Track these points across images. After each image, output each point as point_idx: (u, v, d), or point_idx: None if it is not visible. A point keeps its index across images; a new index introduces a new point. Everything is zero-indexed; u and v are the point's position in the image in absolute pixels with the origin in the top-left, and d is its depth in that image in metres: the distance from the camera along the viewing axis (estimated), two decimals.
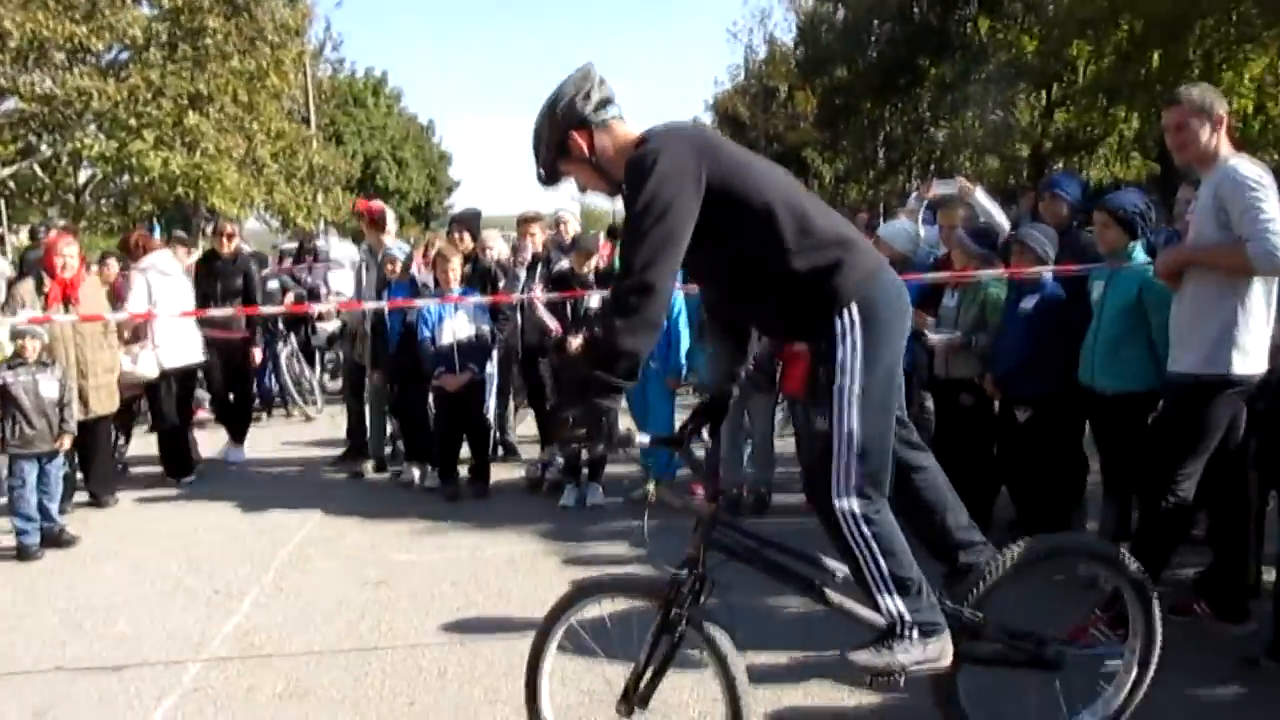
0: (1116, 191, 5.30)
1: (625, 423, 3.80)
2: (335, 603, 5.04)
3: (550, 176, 2.98)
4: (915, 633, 2.80)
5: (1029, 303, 5.22)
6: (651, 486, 6.60)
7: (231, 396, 8.41)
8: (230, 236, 8.41)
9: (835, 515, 2.77)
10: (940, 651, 2.84)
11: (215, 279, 8.13)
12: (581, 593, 3.17)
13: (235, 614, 4.93)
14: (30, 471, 5.93)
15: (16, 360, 6.02)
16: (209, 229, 27.92)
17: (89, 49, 18.49)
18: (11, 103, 18.78)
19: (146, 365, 7.42)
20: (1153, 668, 3.27)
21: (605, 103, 2.87)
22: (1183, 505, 4.06)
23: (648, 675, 2.97)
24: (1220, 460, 4.00)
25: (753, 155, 2.92)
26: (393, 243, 7.78)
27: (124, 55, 20.45)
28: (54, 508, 6.11)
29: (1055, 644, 3.11)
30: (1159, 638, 3.25)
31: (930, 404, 6.15)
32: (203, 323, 7.90)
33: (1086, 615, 4.14)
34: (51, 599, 5.20)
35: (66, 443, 6.15)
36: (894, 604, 2.81)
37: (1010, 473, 5.61)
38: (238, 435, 8.45)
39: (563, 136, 2.86)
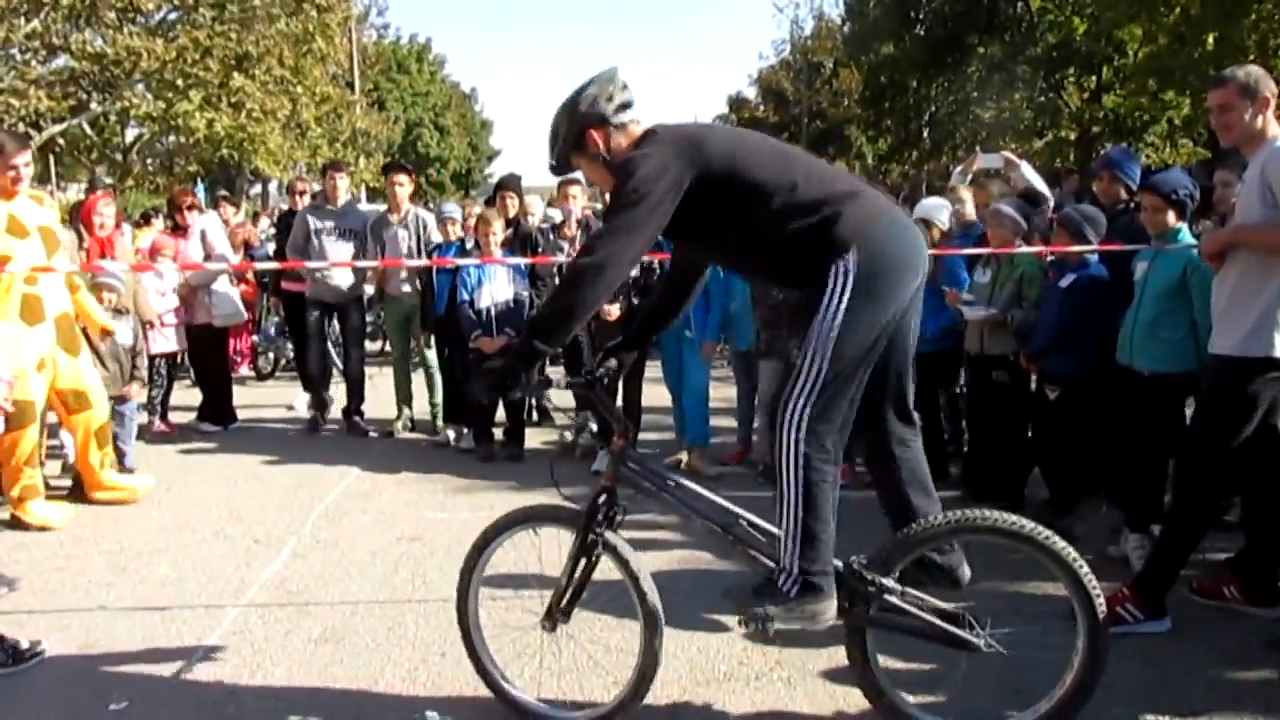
0: (1162, 173, 5.23)
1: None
2: (370, 555, 5.15)
3: (561, 167, 3.19)
4: (795, 589, 2.90)
5: (1065, 280, 5.20)
6: (685, 455, 6.68)
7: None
8: (304, 193, 8.87)
9: (782, 442, 2.87)
10: (815, 614, 2.92)
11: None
12: (509, 522, 3.43)
13: (274, 562, 5.06)
14: None
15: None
16: (252, 190, 28.16)
17: (139, 8, 18.71)
18: (62, 60, 19.04)
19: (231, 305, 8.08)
20: (1101, 670, 3.00)
21: (624, 106, 3.05)
22: (1217, 488, 4.06)
23: (569, 593, 3.30)
24: (1258, 443, 3.97)
25: (742, 140, 3.02)
26: (447, 205, 7.91)
27: (173, 15, 20.66)
28: (128, 450, 6.37)
29: (980, 627, 3.02)
30: (1106, 635, 2.99)
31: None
32: (283, 275, 8.46)
33: (1116, 591, 4.18)
34: (97, 542, 5.36)
35: (135, 389, 6.39)
36: (790, 552, 2.90)
37: (1042, 452, 5.60)
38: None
39: (580, 132, 3.03)
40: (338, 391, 8.33)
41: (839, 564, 3.02)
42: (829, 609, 2.94)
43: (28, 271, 5.28)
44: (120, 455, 6.29)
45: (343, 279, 7.78)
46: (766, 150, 2.98)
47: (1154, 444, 4.64)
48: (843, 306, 2.79)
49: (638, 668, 3.24)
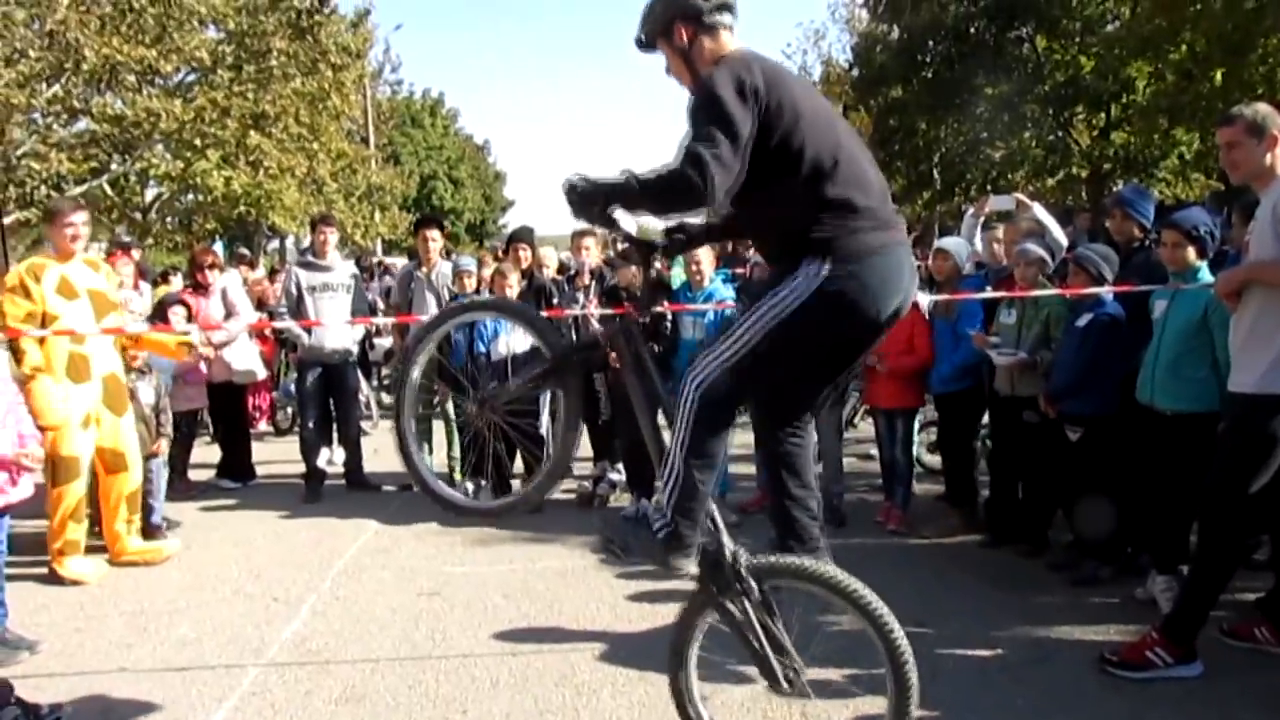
0: (1182, 210, 5.22)
1: None
2: (390, 612, 5.12)
3: (646, 46, 3.11)
4: (664, 533, 2.93)
5: (1082, 320, 5.18)
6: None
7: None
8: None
9: (686, 392, 2.88)
10: (672, 564, 2.96)
11: None
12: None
13: (293, 621, 5.03)
14: None
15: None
16: (270, 245, 28.32)
17: (158, 71, 18.98)
18: (83, 123, 19.34)
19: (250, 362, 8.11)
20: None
21: (723, 8, 2.98)
22: (1242, 527, 4.01)
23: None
24: None
25: (813, 103, 2.90)
26: (463, 258, 7.94)
27: (191, 77, 21.00)
28: (157, 505, 6.44)
29: (798, 673, 3.07)
30: (914, 685, 2.90)
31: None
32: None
33: (1145, 636, 4.12)
34: (117, 602, 5.35)
35: (163, 446, 6.50)
36: (667, 495, 2.92)
37: (1066, 494, 5.55)
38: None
39: (670, 21, 2.99)
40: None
41: (731, 548, 3.03)
42: (686, 565, 2.98)
43: (44, 330, 5.37)
44: (148, 511, 6.36)
45: (334, 339, 7.60)
46: (825, 126, 2.87)
47: (1179, 484, 4.58)
48: (798, 302, 2.78)
49: None
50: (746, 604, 3.04)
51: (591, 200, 2.84)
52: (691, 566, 2.98)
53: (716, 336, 2.97)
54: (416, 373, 3.49)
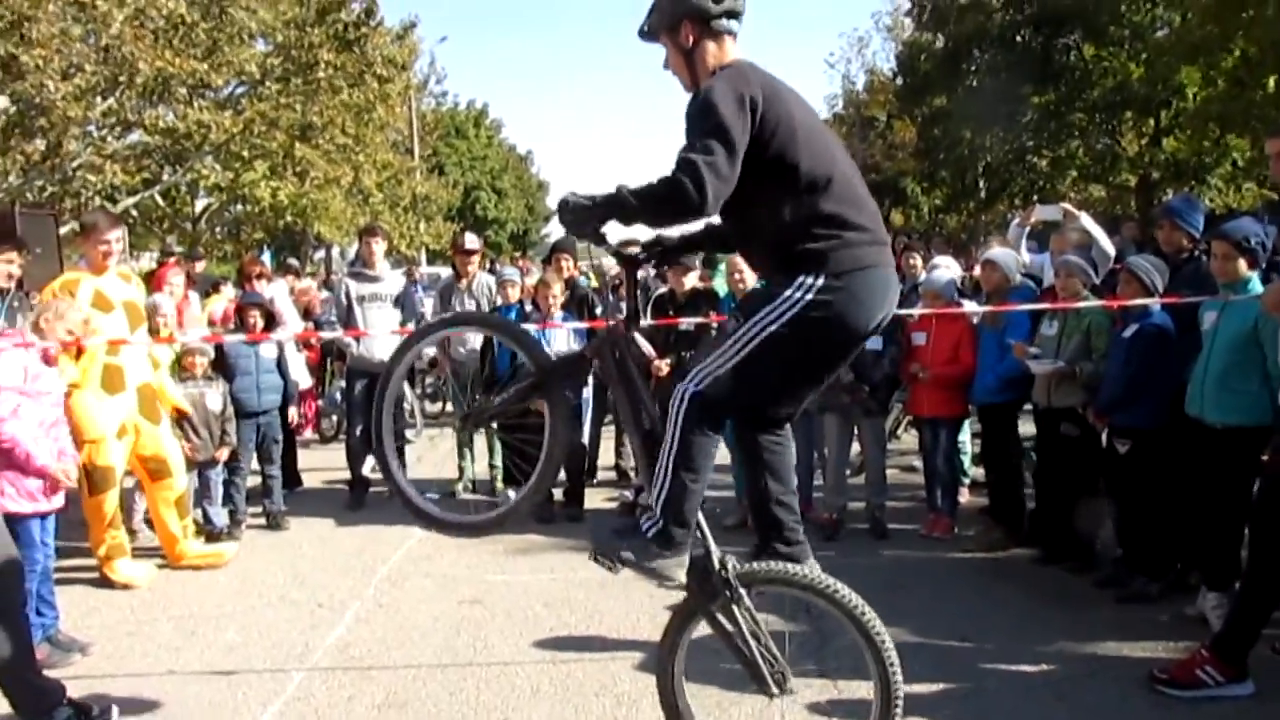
0: (1232, 220, 5.11)
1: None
2: (432, 620, 5.16)
3: (649, 36, 3.11)
4: (654, 531, 2.94)
5: (1128, 331, 5.11)
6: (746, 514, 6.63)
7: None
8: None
9: (678, 395, 2.91)
10: (664, 567, 2.96)
11: None
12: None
13: (337, 627, 5.09)
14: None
15: (185, 375, 6.54)
16: (316, 255, 28.61)
17: (209, 84, 19.31)
18: (136, 135, 19.72)
19: (296, 371, 8.17)
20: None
21: (731, 14, 2.98)
22: None
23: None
24: None
25: (810, 121, 2.93)
26: (506, 269, 8.02)
27: (240, 89, 21.36)
28: (213, 511, 6.61)
29: (786, 676, 3.11)
30: (898, 685, 2.97)
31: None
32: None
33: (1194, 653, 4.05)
34: (166, 606, 5.45)
35: (225, 454, 6.64)
36: (658, 496, 2.94)
37: (1116, 508, 5.46)
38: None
39: (677, 19, 2.99)
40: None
41: (718, 555, 3.05)
42: (677, 571, 2.98)
43: (98, 342, 5.46)
44: (207, 518, 6.55)
45: (382, 349, 7.52)
46: (821, 145, 2.91)
47: (1230, 499, 4.49)
48: (791, 314, 2.80)
49: None
50: (736, 611, 3.06)
51: (585, 216, 2.86)
52: (681, 575, 3.00)
53: (708, 347, 3.00)
54: (393, 391, 3.54)
